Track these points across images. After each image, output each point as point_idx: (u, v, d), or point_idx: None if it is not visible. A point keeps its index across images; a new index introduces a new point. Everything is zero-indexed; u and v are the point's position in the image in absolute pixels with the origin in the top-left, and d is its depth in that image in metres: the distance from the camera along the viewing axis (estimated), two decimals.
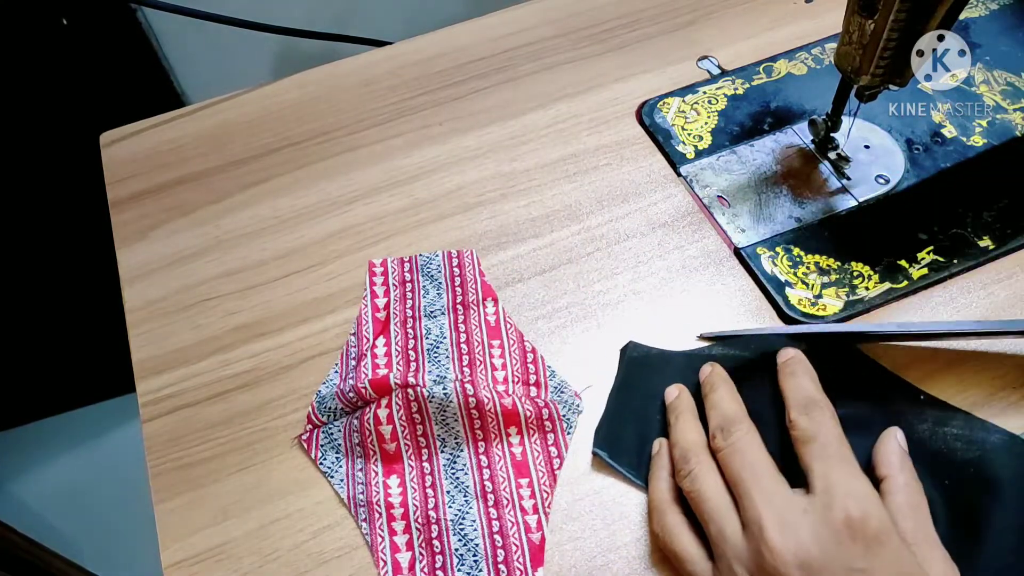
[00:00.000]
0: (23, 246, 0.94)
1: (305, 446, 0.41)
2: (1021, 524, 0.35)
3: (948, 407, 0.40)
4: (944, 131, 0.51)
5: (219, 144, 0.55)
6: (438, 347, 0.43)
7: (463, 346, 0.43)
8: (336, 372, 0.43)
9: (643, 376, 0.42)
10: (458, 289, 0.46)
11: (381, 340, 0.43)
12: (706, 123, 0.53)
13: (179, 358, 0.45)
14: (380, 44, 0.61)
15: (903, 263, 0.45)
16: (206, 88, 0.82)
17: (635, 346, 0.43)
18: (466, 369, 0.42)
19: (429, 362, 0.42)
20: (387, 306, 0.45)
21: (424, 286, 0.46)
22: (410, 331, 0.44)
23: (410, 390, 0.39)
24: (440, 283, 0.46)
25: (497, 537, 0.37)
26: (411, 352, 0.43)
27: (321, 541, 0.38)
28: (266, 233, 0.50)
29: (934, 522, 0.34)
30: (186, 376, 0.44)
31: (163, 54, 0.78)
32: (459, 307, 0.45)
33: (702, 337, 0.43)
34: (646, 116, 0.53)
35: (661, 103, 0.54)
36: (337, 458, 0.40)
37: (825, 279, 0.45)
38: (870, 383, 0.41)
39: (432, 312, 0.45)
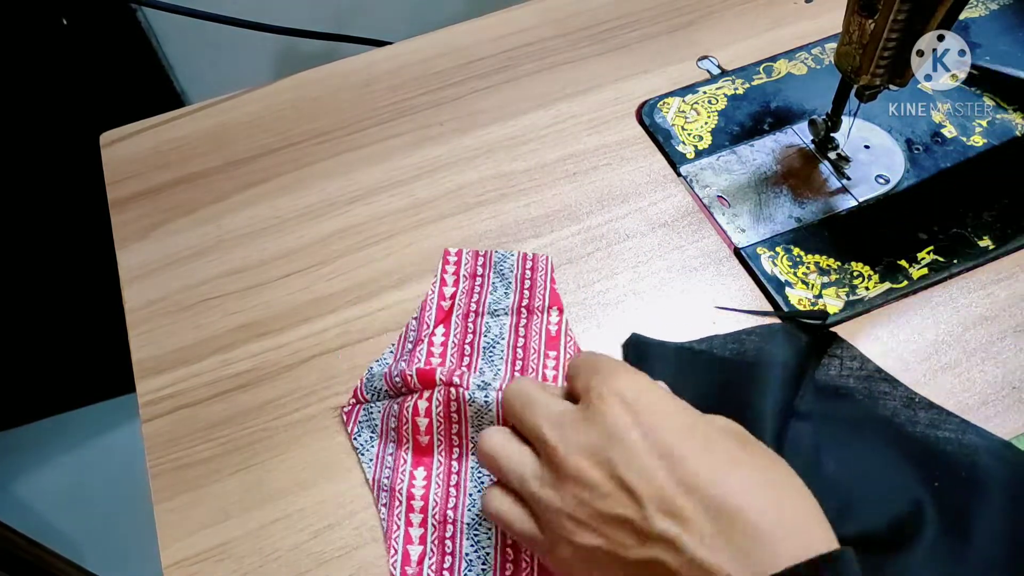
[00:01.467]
0: (23, 246, 0.94)
1: (344, 418, 0.41)
2: (1010, 528, 0.35)
3: (942, 410, 0.40)
4: (944, 131, 0.51)
5: (219, 144, 0.55)
6: (494, 347, 0.43)
7: (519, 351, 0.43)
8: (391, 352, 0.43)
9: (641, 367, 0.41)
10: (526, 292, 0.45)
11: (440, 329, 0.43)
12: (706, 123, 0.53)
13: (179, 358, 0.45)
14: (380, 44, 0.61)
15: (903, 263, 0.45)
16: (206, 88, 0.82)
17: (635, 337, 0.43)
18: (517, 374, 0.42)
19: (483, 360, 0.42)
20: (453, 296, 0.45)
21: (494, 283, 0.46)
22: (470, 325, 0.44)
23: (452, 389, 0.39)
24: (510, 283, 0.46)
25: (509, 551, 0.37)
26: (467, 347, 0.43)
27: (321, 541, 0.38)
28: (266, 233, 0.50)
29: (924, 523, 0.35)
30: (186, 376, 0.44)
31: (163, 54, 0.78)
32: (523, 310, 0.45)
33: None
34: (646, 116, 0.53)
35: (661, 103, 0.54)
36: (371, 437, 0.40)
37: (825, 279, 0.45)
38: (864, 384, 0.41)
39: (496, 311, 0.44)
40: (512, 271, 0.46)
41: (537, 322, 0.44)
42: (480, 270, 0.46)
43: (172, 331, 0.46)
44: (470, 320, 0.44)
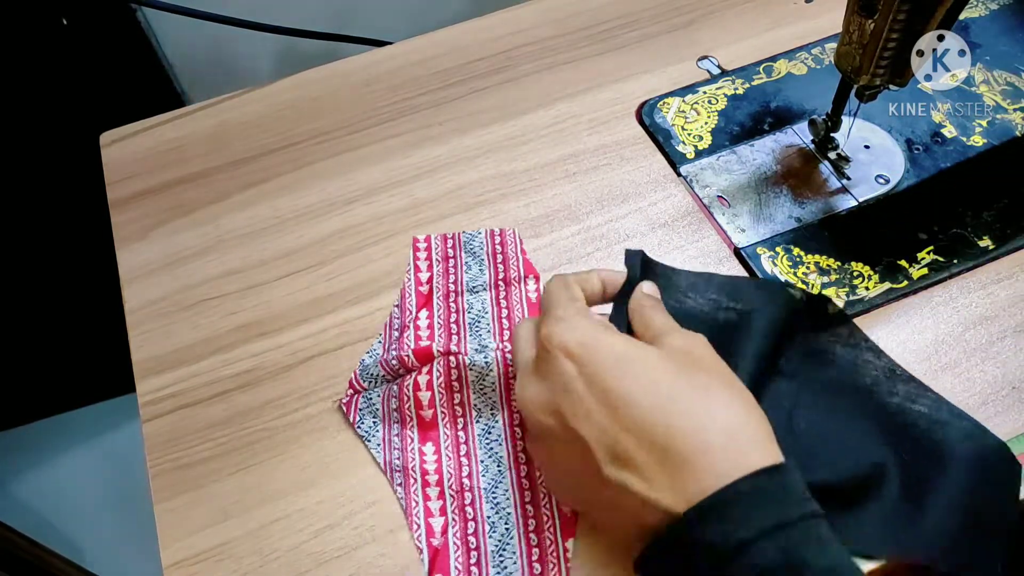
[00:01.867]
0: (23, 246, 0.94)
1: (344, 408, 0.41)
2: (967, 506, 0.37)
3: (921, 385, 0.40)
4: (944, 131, 0.51)
5: (219, 144, 0.55)
6: (480, 321, 0.44)
7: (504, 321, 0.44)
8: (380, 343, 0.44)
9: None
10: (500, 266, 0.46)
11: (424, 313, 0.44)
12: (706, 123, 0.53)
13: (179, 358, 0.45)
14: (380, 44, 0.61)
15: (903, 263, 0.45)
16: (206, 88, 0.82)
17: (646, 259, 0.41)
18: (507, 344, 0.42)
19: (471, 335, 0.43)
20: (430, 280, 0.46)
21: (467, 262, 0.46)
22: (452, 305, 0.44)
23: (452, 357, 0.40)
24: (482, 260, 0.46)
25: (529, 507, 0.38)
26: (453, 325, 0.43)
27: (321, 541, 0.38)
28: (266, 233, 0.50)
29: (883, 485, 0.37)
30: (186, 376, 0.44)
31: (163, 54, 0.78)
32: (501, 283, 0.45)
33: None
34: (646, 116, 0.53)
35: (661, 103, 0.54)
36: (375, 423, 0.41)
37: (825, 279, 0.45)
38: (850, 351, 0.42)
39: (474, 287, 0.45)
40: (483, 248, 0.47)
41: (516, 292, 0.45)
42: (451, 252, 0.47)
43: (172, 331, 0.46)
44: (451, 300, 0.44)
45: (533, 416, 0.33)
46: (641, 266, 0.41)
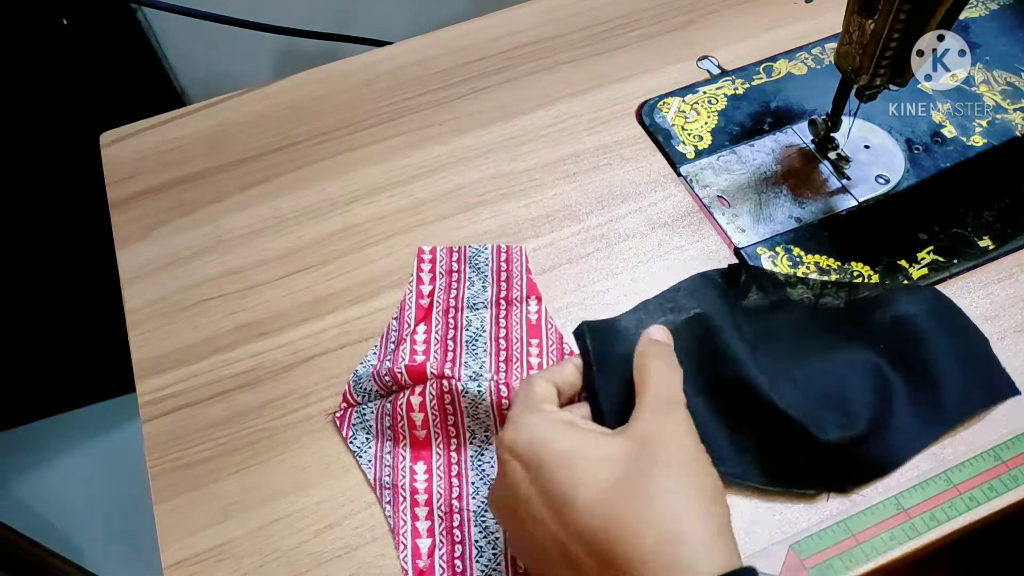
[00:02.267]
0: (23, 246, 0.94)
1: (338, 423, 0.41)
2: (958, 355, 0.40)
3: (854, 284, 0.43)
4: (944, 131, 0.51)
5: (219, 144, 0.55)
6: (477, 340, 0.43)
7: (502, 341, 0.43)
8: (375, 353, 0.43)
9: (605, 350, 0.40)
10: (503, 284, 0.46)
11: (422, 327, 0.43)
12: (706, 123, 0.53)
13: (179, 358, 0.45)
14: (380, 44, 0.61)
15: (903, 263, 0.45)
16: (206, 88, 0.82)
17: (590, 325, 0.41)
18: (502, 365, 0.42)
19: (467, 354, 0.42)
20: (431, 293, 0.45)
21: (470, 277, 0.46)
22: (451, 321, 0.44)
23: (445, 382, 0.39)
24: (486, 276, 0.46)
25: None
26: (450, 342, 0.43)
27: (321, 541, 0.38)
28: (266, 233, 0.50)
29: (890, 387, 0.39)
30: (186, 376, 0.44)
31: (163, 54, 0.78)
32: (502, 302, 0.45)
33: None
34: (646, 116, 0.53)
35: (661, 103, 0.54)
36: (367, 439, 0.41)
37: (825, 279, 0.45)
38: (782, 294, 0.44)
39: (475, 304, 0.45)
40: (488, 264, 0.46)
41: (517, 312, 0.45)
42: (456, 266, 0.47)
43: (172, 331, 0.46)
44: (451, 316, 0.44)
45: (498, 517, 0.35)
46: (590, 332, 0.40)
